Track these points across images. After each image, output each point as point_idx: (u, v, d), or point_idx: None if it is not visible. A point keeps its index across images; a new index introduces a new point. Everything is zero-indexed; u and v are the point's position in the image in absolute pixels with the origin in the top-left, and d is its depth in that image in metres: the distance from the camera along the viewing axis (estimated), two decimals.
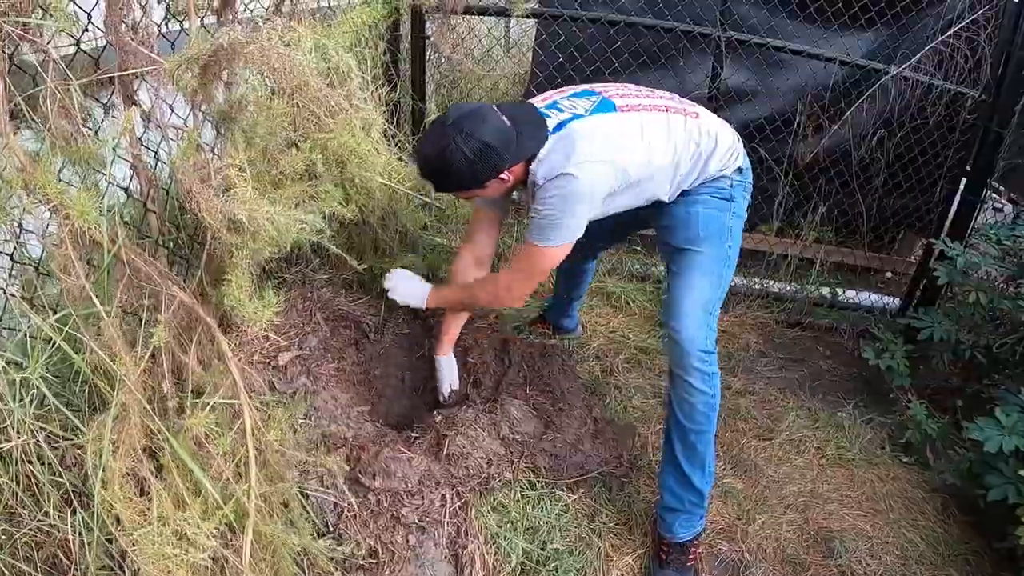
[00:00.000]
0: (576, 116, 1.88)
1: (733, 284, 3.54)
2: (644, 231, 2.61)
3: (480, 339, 2.52)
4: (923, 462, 2.62)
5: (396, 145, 2.90)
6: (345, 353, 2.38)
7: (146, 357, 1.39)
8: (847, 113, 3.35)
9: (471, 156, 1.77)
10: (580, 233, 1.91)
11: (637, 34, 3.19)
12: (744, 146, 2.11)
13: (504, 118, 1.84)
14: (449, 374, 2.34)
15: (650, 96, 2.00)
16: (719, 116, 2.10)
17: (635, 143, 1.88)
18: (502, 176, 1.87)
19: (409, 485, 1.97)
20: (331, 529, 1.92)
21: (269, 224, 1.30)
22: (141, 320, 1.43)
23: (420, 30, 3.07)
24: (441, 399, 2.35)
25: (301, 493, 1.92)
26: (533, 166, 1.88)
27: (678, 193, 2.04)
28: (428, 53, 3.21)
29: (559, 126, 1.88)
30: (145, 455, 1.35)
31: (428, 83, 3.30)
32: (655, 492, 2.22)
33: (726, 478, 2.39)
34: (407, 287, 2.28)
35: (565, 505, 2.12)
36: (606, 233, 2.29)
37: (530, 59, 3.75)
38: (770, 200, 3.40)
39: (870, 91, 3.24)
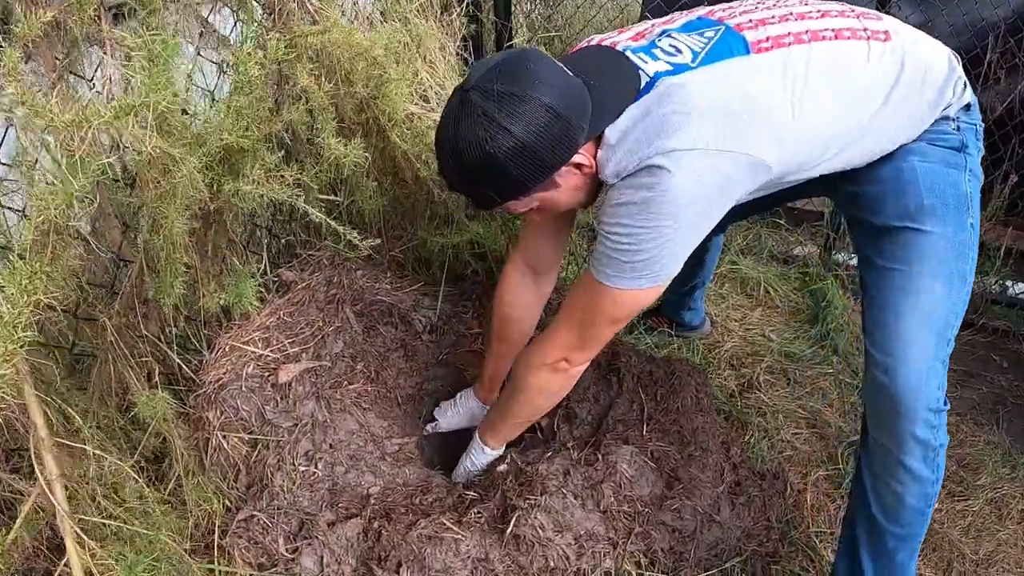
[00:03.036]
0: (680, 68, 1.02)
1: None
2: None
3: None
4: None
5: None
6: (387, 360, 1.60)
7: None
8: None
9: (524, 138, 0.95)
10: (677, 269, 1.07)
11: None
12: None
13: (562, 65, 1.02)
14: (459, 418, 1.56)
15: (807, 14, 1.09)
16: None
17: (781, 114, 1.02)
18: (578, 160, 1.04)
19: None
20: None
21: None
22: None
23: None
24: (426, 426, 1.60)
25: None
26: (602, 152, 1.04)
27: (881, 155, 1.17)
28: None
29: (649, 85, 1.02)
30: None
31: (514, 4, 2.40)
32: None
33: None
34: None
35: None
36: (746, 205, 1.32)
37: None
38: None
39: None
